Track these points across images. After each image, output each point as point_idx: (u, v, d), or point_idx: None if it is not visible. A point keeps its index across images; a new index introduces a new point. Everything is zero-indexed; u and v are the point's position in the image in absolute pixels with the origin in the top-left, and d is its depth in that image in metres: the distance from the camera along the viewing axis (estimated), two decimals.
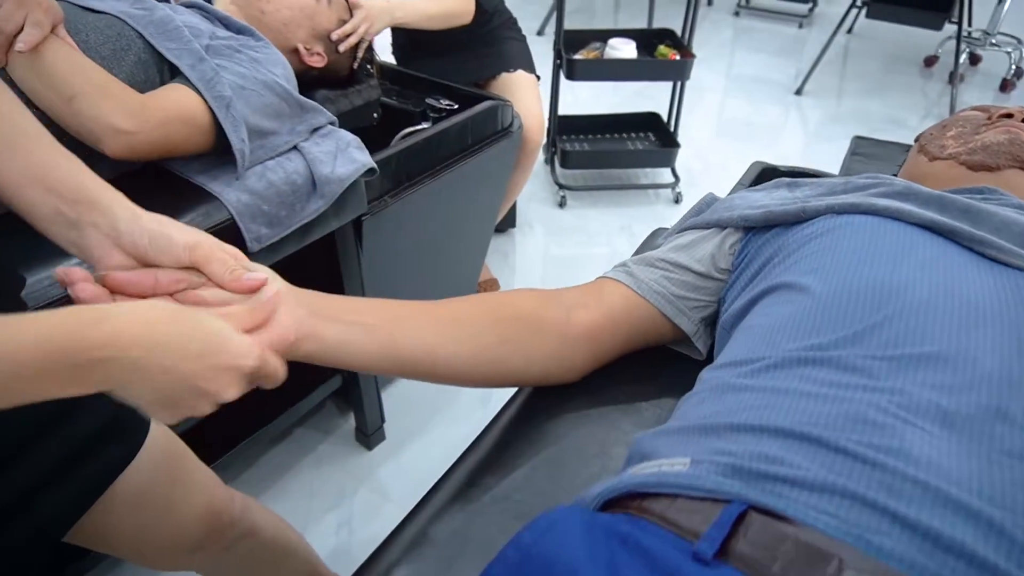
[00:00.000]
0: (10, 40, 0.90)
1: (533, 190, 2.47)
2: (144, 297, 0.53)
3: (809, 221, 0.63)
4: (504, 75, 1.83)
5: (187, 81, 1.02)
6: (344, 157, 1.16)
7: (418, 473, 1.53)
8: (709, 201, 0.80)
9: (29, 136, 0.55)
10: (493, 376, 0.64)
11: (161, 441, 0.75)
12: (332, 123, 1.22)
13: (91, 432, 0.64)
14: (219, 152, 1.05)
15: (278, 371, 0.52)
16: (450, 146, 1.44)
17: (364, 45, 1.40)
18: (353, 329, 0.57)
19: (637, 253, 0.90)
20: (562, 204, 2.43)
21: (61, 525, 0.64)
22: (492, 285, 2.03)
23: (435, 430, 1.61)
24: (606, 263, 2.20)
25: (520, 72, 1.84)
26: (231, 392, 0.48)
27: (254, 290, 0.55)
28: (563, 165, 2.41)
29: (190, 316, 0.46)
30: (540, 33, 3.83)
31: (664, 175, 2.56)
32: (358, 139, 1.20)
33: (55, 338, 0.38)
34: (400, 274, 1.48)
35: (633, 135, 2.61)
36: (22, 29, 0.90)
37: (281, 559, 1.00)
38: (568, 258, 2.23)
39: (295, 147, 1.13)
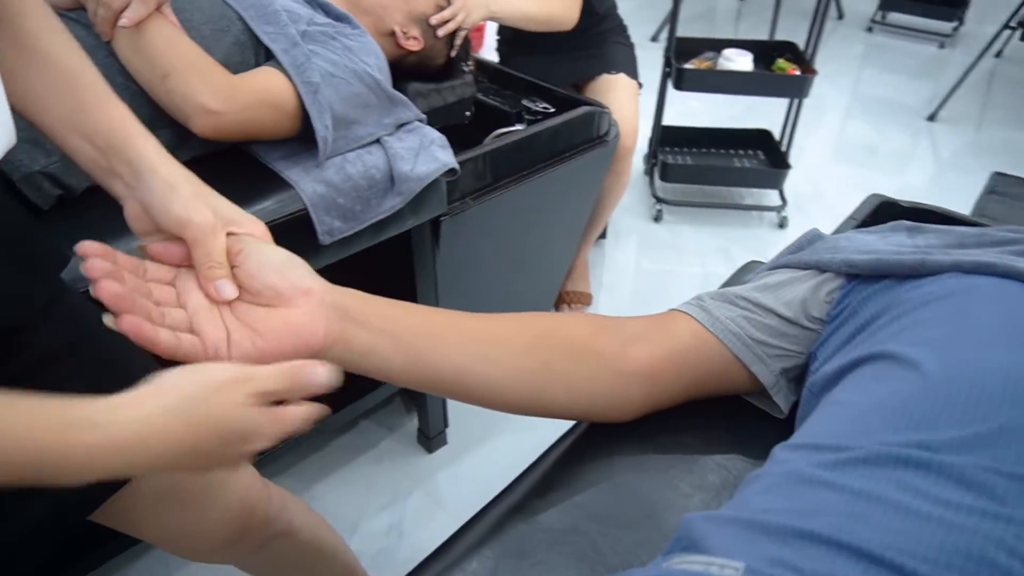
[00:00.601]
0: (116, 15, 0.92)
1: (628, 201, 2.37)
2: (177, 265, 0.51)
3: (929, 277, 0.53)
4: (604, 76, 1.77)
5: (279, 65, 1.01)
6: (426, 155, 1.12)
7: (475, 483, 1.48)
8: (811, 238, 0.71)
9: (73, 82, 0.54)
10: (531, 405, 0.58)
11: None
12: (420, 119, 1.19)
13: None
14: (303, 139, 1.03)
15: (304, 419, 0.47)
16: (540, 150, 1.39)
17: (461, 35, 1.36)
18: (381, 338, 0.53)
19: (725, 286, 0.82)
20: (657, 218, 2.32)
21: (85, 505, 0.63)
22: (582, 299, 1.95)
23: (498, 440, 1.56)
24: (698, 284, 2.08)
25: (621, 76, 1.77)
26: (260, 443, 0.44)
27: (224, 300, 0.50)
28: (663, 178, 2.31)
29: (209, 408, 0.41)
30: (654, 39, 3.71)
31: (770, 197, 2.41)
32: (443, 137, 1.17)
33: (40, 462, 0.36)
34: (476, 280, 1.44)
35: (741, 152, 2.47)
36: (128, 5, 0.91)
37: (318, 561, 0.98)
38: (658, 274, 2.13)
39: (378, 140, 1.11)
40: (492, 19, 1.49)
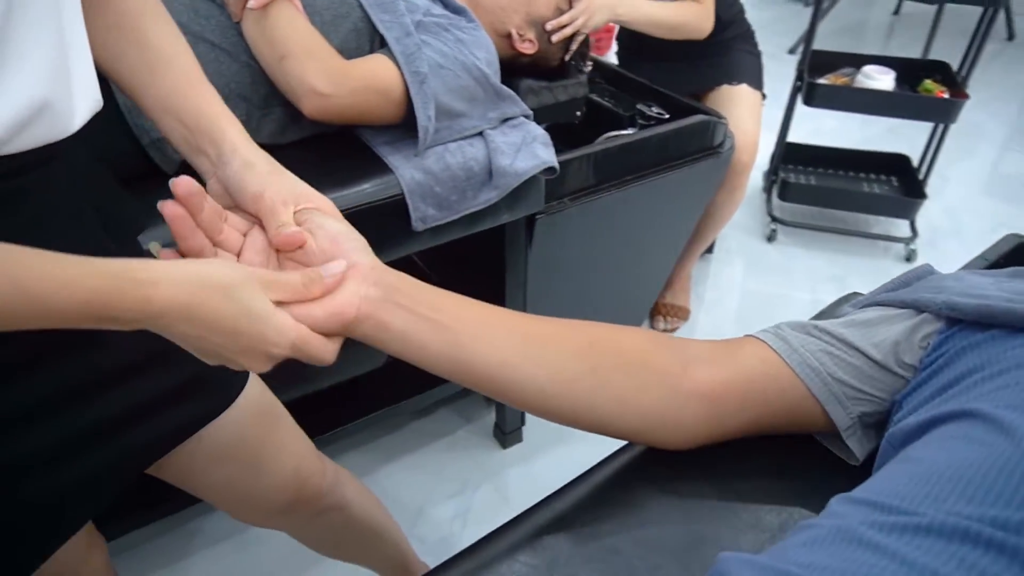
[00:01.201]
0: None
1: (741, 217, 2.27)
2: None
3: None
4: (725, 87, 1.70)
5: (390, 53, 1.04)
6: (527, 151, 1.12)
7: (545, 484, 1.45)
8: (920, 274, 0.64)
9: (169, 66, 0.58)
10: (577, 415, 0.56)
11: (256, 401, 0.75)
12: (526, 115, 1.18)
13: (186, 379, 0.66)
14: (407, 126, 1.05)
15: (320, 354, 0.50)
16: (648, 156, 1.35)
17: (579, 38, 1.35)
18: (421, 323, 0.52)
19: (817, 318, 0.76)
20: (770, 238, 2.21)
21: (141, 459, 0.66)
22: (679, 313, 1.89)
23: (573, 445, 1.54)
24: (805, 311, 1.97)
25: (744, 86, 1.69)
26: (258, 368, 0.48)
27: (293, 246, 0.52)
28: (781, 197, 2.19)
29: (238, 294, 0.44)
30: (791, 51, 3.54)
31: (900, 227, 2.24)
32: (546, 135, 1.16)
33: (96, 297, 0.38)
34: (567, 282, 1.42)
35: (872, 177, 2.30)
36: None
37: (369, 538, 1.00)
38: (764, 297, 2.03)
39: (480, 133, 1.11)
40: (616, 22, 1.46)
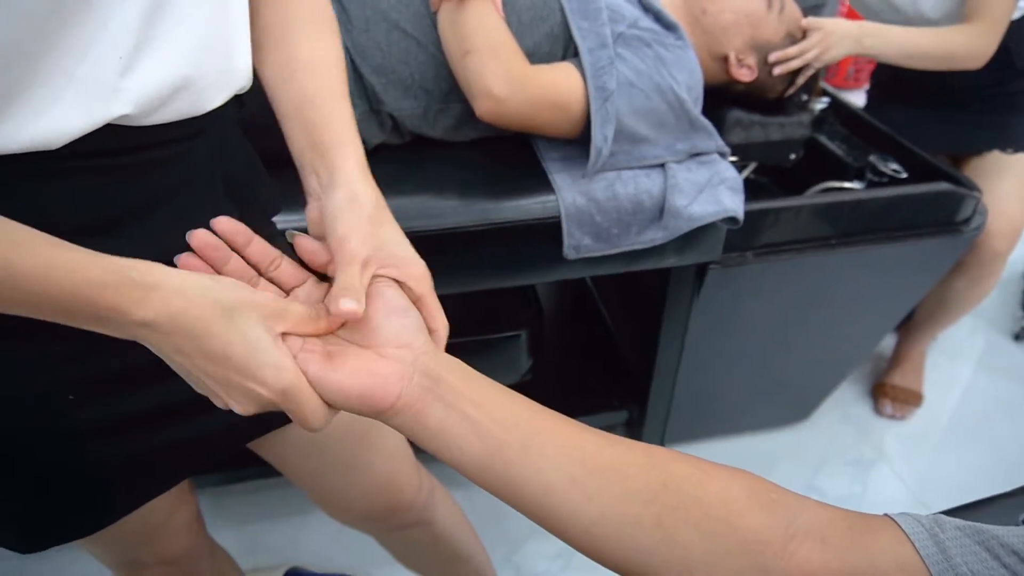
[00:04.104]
0: None
1: (988, 304, 1.89)
2: (318, 269, 0.50)
3: None
4: (996, 153, 1.38)
5: (579, 63, 0.96)
6: (710, 194, 0.98)
7: None
8: None
9: (310, 74, 0.55)
10: (627, 568, 0.44)
11: None
12: (721, 151, 1.04)
13: None
14: (584, 143, 0.97)
15: (310, 416, 0.43)
16: (866, 220, 1.14)
17: (809, 72, 1.17)
18: (462, 424, 0.44)
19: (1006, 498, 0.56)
20: (1019, 337, 1.82)
21: (235, 437, 0.66)
22: (910, 399, 1.59)
23: None
24: None
25: (1021, 157, 1.36)
26: (241, 408, 0.43)
27: (340, 322, 0.46)
28: None
29: (238, 318, 0.40)
30: None
31: None
32: (738, 179, 1.01)
33: (88, 289, 0.37)
34: (732, 344, 1.26)
35: None
36: None
37: (450, 560, 0.96)
38: (991, 405, 1.67)
39: (662, 165, 1.00)
40: (861, 55, 1.24)
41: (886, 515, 0.44)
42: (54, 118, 0.41)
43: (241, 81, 0.54)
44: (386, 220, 0.51)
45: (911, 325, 1.60)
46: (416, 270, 0.49)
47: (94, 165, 0.46)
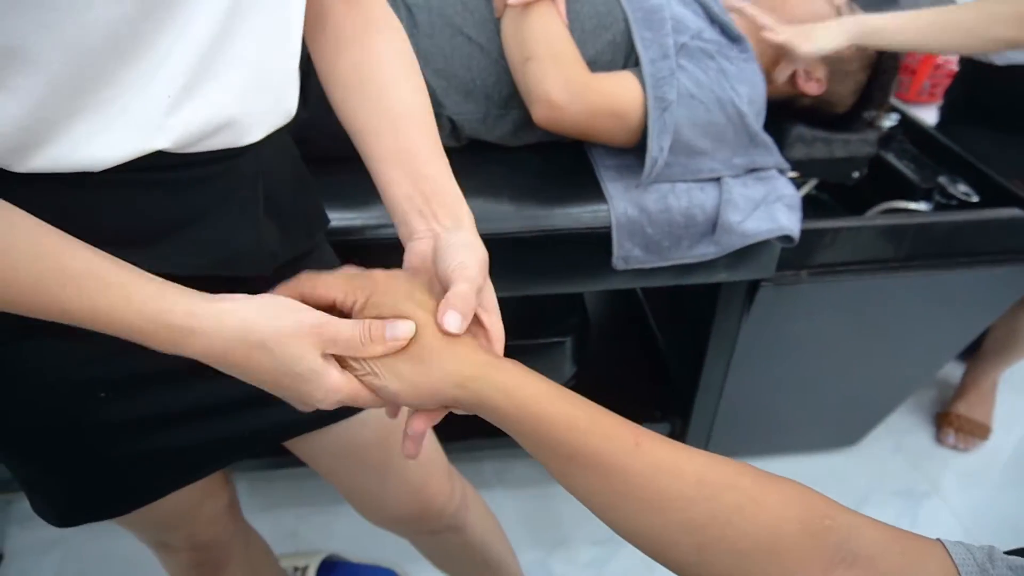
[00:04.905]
0: None
1: None
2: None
3: None
4: None
5: (640, 73, 0.95)
6: (765, 211, 0.96)
7: None
8: None
9: (405, 122, 0.57)
10: (645, 546, 0.45)
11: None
12: (780, 168, 1.02)
13: None
14: (640, 152, 0.96)
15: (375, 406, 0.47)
16: (930, 244, 1.10)
17: (889, 85, 1.13)
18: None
19: None
20: None
21: (269, 437, 0.68)
22: (976, 431, 1.54)
23: None
24: None
25: None
26: (311, 409, 0.46)
27: (445, 328, 0.46)
28: None
29: (281, 351, 0.42)
30: None
31: None
32: (796, 196, 0.99)
33: (132, 334, 0.40)
34: (781, 362, 1.23)
35: None
36: None
37: (481, 565, 0.96)
38: None
39: (718, 178, 0.98)
40: (867, 43, 1.04)
41: (939, 540, 0.43)
42: (101, 145, 0.43)
43: (285, 119, 0.56)
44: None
45: (980, 354, 1.53)
46: (500, 329, 0.50)
47: (135, 180, 0.47)
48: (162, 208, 0.50)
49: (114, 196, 0.46)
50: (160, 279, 0.42)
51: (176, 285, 0.42)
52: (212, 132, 0.48)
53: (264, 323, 0.42)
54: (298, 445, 0.73)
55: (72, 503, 0.62)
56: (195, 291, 0.42)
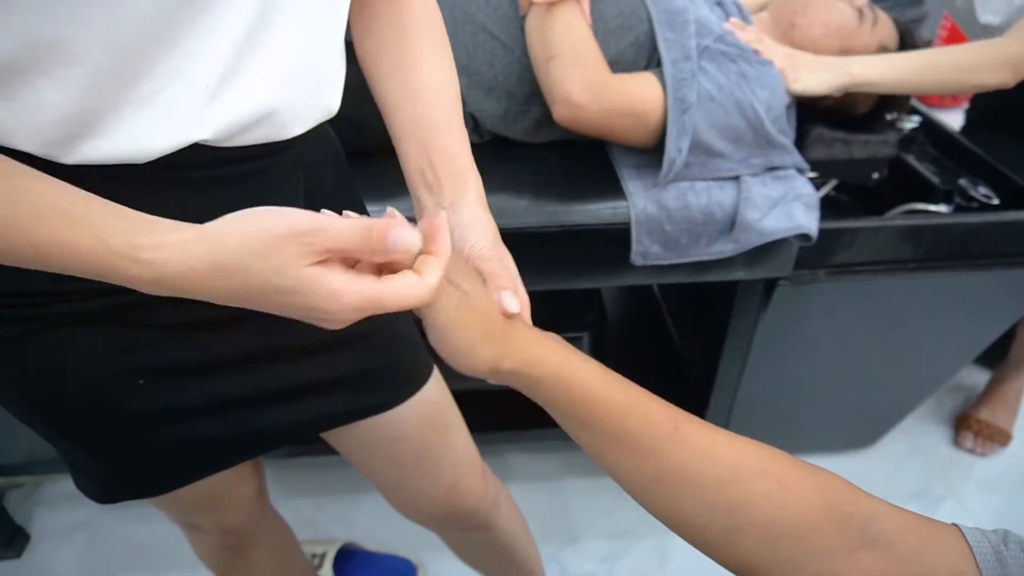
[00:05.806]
0: None
1: None
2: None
3: None
4: None
5: (661, 75, 0.96)
6: (783, 210, 0.97)
7: (714, 568, 1.32)
8: None
9: (430, 98, 0.58)
10: (673, 526, 0.47)
11: (428, 407, 0.74)
12: (799, 168, 1.03)
13: (361, 370, 0.66)
14: (659, 152, 0.98)
15: (411, 304, 0.42)
16: (949, 245, 1.10)
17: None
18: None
19: None
20: None
21: (300, 430, 0.68)
22: (996, 437, 1.53)
23: None
24: None
25: None
26: (335, 327, 0.42)
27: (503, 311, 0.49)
28: None
29: (259, 267, 0.39)
30: None
31: None
32: (814, 195, 1.00)
33: (90, 264, 0.38)
34: (797, 361, 1.23)
35: None
36: None
37: (504, 563, 0.98)
38: None
39: (736, 177, 0.99)
40: (853, 87, 1.05)
41: (956, 524, 0.45)
42: (145, 136, 0.44)
43: (328, 113, 0.56)
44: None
45: (1007, 361, 1.53)
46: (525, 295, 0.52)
47: (177, 178, 0.48)
48: (202, 206, 0.48)
49: (156, 195, 0.45)
50: (133, 212, 0.40)
51: (149, 216, 0.40)
52: (252, 124, 0.48)
53: (230, 245, 0.39)
54: (333, 437, 0.74)
55: (112, 483, 0.64)
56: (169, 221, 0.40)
